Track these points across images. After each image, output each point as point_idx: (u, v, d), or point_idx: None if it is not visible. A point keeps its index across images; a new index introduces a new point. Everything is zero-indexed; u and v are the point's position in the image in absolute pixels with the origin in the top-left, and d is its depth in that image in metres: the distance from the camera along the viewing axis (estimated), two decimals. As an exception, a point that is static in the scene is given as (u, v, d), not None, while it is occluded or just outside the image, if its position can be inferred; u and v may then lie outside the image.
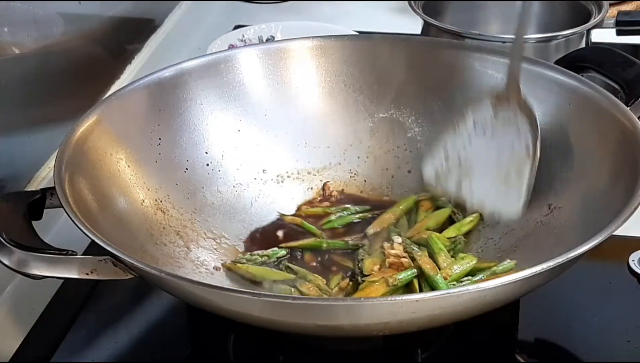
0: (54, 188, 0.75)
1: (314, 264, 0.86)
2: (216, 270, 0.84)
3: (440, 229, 0.87)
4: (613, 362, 0.77)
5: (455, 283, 0.77)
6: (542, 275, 0.66)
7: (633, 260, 0.87)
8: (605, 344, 0.79)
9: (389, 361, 0.78)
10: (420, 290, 0.77)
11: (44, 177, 0.95)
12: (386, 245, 0.83)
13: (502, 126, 0.86)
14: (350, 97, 0.98)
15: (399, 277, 0.77)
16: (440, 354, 0.79)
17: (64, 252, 0.70)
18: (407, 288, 0.78)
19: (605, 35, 1.13)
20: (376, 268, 0.81)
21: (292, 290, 0.80)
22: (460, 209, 0.88)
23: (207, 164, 0.92)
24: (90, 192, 0.79)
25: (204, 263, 0.84)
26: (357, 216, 0.91)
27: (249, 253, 0.86)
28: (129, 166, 0.85)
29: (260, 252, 0.85)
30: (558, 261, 0.65)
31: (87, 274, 0.70)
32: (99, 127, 0.84)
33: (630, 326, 0.80)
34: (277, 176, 0.95)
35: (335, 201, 0.94)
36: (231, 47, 1.22)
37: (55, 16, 1.03)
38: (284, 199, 0.94)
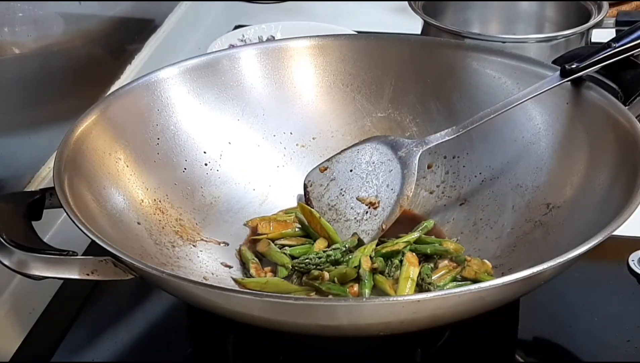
0: (53, 188, 0.75)
1: None
2: (215, 270, 0.84)
3: None
4: (613, 362, 0.77)
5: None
6: (542, 275, 0.66)
7: (633, 260, 0.87)
8: (605, 344, 0.79)
9: (389, 361, 0.78)
10: None
11: (44, 177, 0.95)
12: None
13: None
14: (349, 96, 0.98)
15: None
16: (440, 354, 0.79)
17: (65, 253, 0.70)
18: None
19: (605, 35, 1.12)
20: None
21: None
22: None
23: (206, 164, 0.92)
24: (89, 192, 0.79)
25: (203, 262, 0.84)
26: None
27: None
28: (127, 166, 0.85)
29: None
30: (558, 261, 0.65)
31: (88, 274, 0.70)
32: (98, 127, 0.84)
33: (630, 326, 0.80)
34: (276, 175, 0.95)
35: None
36: (231, 47, 1.22)
37: (55, 16, 1.03)
38: (283, 199, 0.94)
